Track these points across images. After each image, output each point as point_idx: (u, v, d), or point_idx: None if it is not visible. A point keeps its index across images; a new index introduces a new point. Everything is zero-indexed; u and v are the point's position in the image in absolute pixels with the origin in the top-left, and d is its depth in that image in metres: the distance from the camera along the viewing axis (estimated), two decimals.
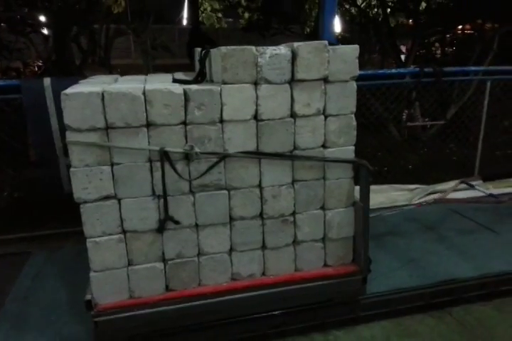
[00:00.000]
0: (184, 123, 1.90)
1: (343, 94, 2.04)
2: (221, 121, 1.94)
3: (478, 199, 3.45)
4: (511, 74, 3.83)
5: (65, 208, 3.19)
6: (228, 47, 1.85)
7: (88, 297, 2.01)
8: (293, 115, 2.02)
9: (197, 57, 2.56)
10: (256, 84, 1.93)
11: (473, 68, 4.02)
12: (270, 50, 1.89)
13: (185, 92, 1.86)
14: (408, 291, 2.45)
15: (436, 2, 6.97)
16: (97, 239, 1.95)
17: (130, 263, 2.03)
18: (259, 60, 1.89)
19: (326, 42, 1.92)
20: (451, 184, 3.52)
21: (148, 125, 1.87)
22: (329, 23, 2.97)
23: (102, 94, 1.77)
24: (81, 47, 6.95)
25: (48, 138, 3.11)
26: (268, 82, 1.93)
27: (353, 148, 2.15)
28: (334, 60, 1.97)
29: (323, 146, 2.12)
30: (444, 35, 7.42)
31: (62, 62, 5.94)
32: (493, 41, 5.29)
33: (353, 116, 2.10)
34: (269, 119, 1.98)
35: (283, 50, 1.90)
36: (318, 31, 3.13)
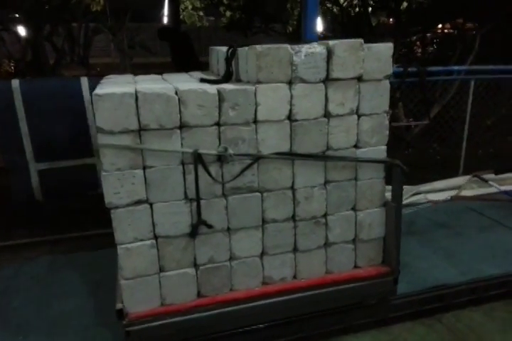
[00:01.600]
0: (218, 124, 1.86)
1: (376, 93, 2.01)
2: (255, 121, 1.90)
3: (492, 196, 3.45)
4: (494, 74, 3.81)
5: (36, 216, 3.13)
6: (263, 45, 1.81)
7: (119, 306, 1.94)
8: (326, 115, 1.99)
9: (215, 57, 2.51)
10: (290, 83, 1.89)
11: (456, 67, 3.99)
12: (305, 48, 1.85)
13: (219, 92, 1.81)
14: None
15: (417, 1, 7.01)
16: (129, 246, 1.89)
17: (162, 270, 1.98)
18: (294, 58, 1.85)
19: (361, 40, 1.88)
20: (463, 179, 3.53)
21: (182, 126, 1.82)
22: (312, 22, 2.92)
23: (136, 95, 1.71)
24: (55, 46, 6.80)
25: (17, 143, 3.03)
26: (303, 81, 1.89)
27: (385, 147, 2.13)
28: (368, 59, 1.94)
29: (356, 146, 2.09)
30: (425, 35, 7.48)
31: (35, 62, 5.81)
32: (475, 40, 5.32)
33: (385, 115, 2.07)
34: (303, 119, 1.94)
35: (318, 48, 1.87)
36: (300, 30, 3.07)
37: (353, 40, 1.89)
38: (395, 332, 2.29)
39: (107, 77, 2.39)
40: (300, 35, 3.08)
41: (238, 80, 2.08)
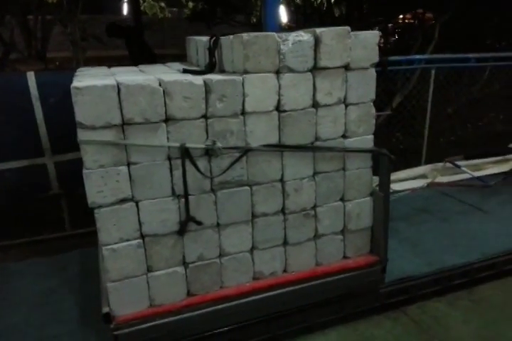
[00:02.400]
0: (205, 116, 1.79)
1: (363, 81, 2.00)
2: (243, 113, 1.84)
3: (466, 182, 3.56)
4: (454, 62, 3.89)
5: None
6: (250, 33, 1.74)
7: (106, 309, 1.86)
8: (315, 105, 1.95)
9: (193, 47, 2.43)
10: (278, 73, 1.84)
11: (417, 56, 4.03)
12: (293, 36, 1.80)
13: (205, 83, 1.74)
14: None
15: None
16: (114, 246, 1.80)
17: (150, 270, 1.90)
18: (281, 47, 1.80)
19: (348, 28, 1.85)
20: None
21: (167, 120, 1.74)
22: (273, 13, 2.88)
23: (118, 87, 1.62)
24: (2, 40, 6.39)
25: None
26: (291, 70, 1.84)
27: (372, 137, 2.13)
28: (355, 47, 1.92)
29: (343, 136, 2.07)
30: (387, 25, 7.61)
31: None
32: (434, 30, 5.44)
33: (372, 104, 2.06)
34: (291, 110, 1.91)
35: (306, 36, 1.82)
36: (261, 21, 3.01)
37: (340, 27, 1.86)
38: (361, 328, 2.27)
39: (80, 69, 2.26)
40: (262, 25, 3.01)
41: (222, 71, 2.01)
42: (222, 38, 1.96)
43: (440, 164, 3.68)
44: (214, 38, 1.98)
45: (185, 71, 1.95)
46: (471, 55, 3.66)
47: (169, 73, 2.03)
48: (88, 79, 1.75)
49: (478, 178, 3.49)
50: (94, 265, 2.26)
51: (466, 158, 3.63)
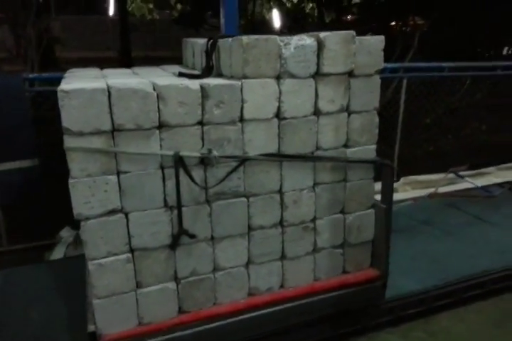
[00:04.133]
0: (201, 123, 1.70)
1: (367, 88, 1.93)
2: (241, 120, 1.76)
3: (470, 192, 3.50)
4: (427, 71, 3.75)
5: None
6: (250, 36, 1.67)
7: (91, 328, 1.75)
8: (316, 112, 1.88)
9: (190, 50, 2.35)
10: (278, 78, 1.77)
11: (388, 65, 3.68)
12: (295, 40, 1.73)
13: (202, 88, 1.65)
14: None
15: None
16: (102, 261, 1.70)
17: (139, 286, 1.80)
18: (283, 51, 1.72)
19: (353, 32, 1.79)
20: (440, 176, 3.57)
21: (161, 126, 1.65)
22: (232, 15, 2.80)
23: (109, 91, 1.52)
24: None
25: None
26: (292, 76, 1.77)
27: (374, 147, 2.06)
28: (360, 52, 1.86)
29: (345, 146, 2.00)
30: (377, 31, 7.63)
31: None
32: (414, 37, 5.40)
33: (375, 112, 2.00)
34: (292, 117, 1.83)
35: (308, 40, 1.75)
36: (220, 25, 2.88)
37: (344, 31, 1.79)
38: None
39: (69, 70, 2.16)
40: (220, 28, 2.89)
41: (219, 75, 1.93)
42: (221, 41, 1.88)
43: (442, 174, 3.63)
44: (212, 41, 1.90)
45: (180, 74, 1.87)
46: (445, 64, 3.57)
47: (164, 76, 1.95)
48: (76, 81, 1.66)
49: (483, 188, 3.44)
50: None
51: (471, 168, 3.58)
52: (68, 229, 2.99)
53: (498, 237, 2.90)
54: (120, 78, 1.80)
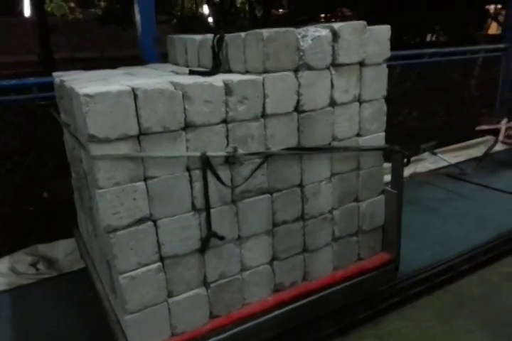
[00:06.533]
0: (225, 121, 1.67)
1: (376, 77, 1.99)
2: (263, 115, 1.75)
3: (445, 171, 3.73)
4: None
5: None
6: (269, 29, 1.65)
7: None
8: (331, 104, 1.91)
9: (181, 47, 2.29)
10: (296, 71, 1.77)
11: None
12: (311, 32, 1.74)
13: (226, 85, 1.62)
14: None
15: None
16: (133, 273, 1.64)
17: (170, 295, 1.76)
18: (301, 43, 1.73)
19: (365, 22, 1.83)
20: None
21: (186, 127, 1.60)
22: (147, 12, 2.73)
23: (134, 93, 1.45)
24: None
25: None
26: (310, 68, 1.78)
27: (383, 134, 2.13)
28: (369, 42, 1.90)
29: (358, 135, 2.05)
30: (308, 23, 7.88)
31: None
32: None
33: (383, 100, 2.07)
34: (310, 110, 1.85)
35: (324, 31, 1.77)
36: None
37: (357, 21, 1.83)
38: None
39: (57, 74, 2.02)
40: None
41: (228, 71, 1.90)
42: (229, 36, 1.85)
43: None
44: (218, 36, 1.86)
45: (191, 72, 1.81)
46: None
47: (167, 76, 1.89)
48: (91, 84, 1.56)
49: (455, 165, 3.67)
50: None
51: (439, 145, 3.81)
52: None
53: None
54: (131, 79, 1.71)
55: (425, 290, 2.50)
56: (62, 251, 2.82)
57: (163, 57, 2.59)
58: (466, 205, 3.27)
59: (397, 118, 5.72)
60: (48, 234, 2.89)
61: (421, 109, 5.26)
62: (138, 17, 2.71)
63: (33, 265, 2.73)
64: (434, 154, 3.71)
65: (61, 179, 2.74)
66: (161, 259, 1.70)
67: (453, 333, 2.23)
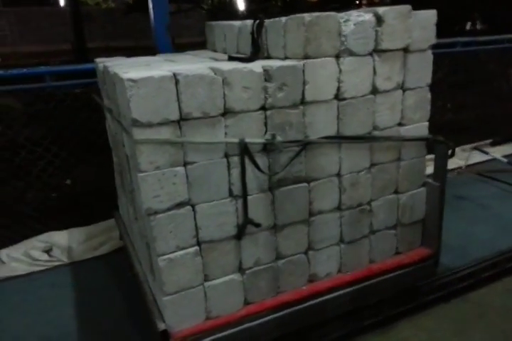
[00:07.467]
0: (264, 108, 1.68)
1: (421, 64, 1.94)
2: (302, 102, 1.75)
3: (499, 168, 3.58)
4: None
5: None
6: (311, 13, 1.64)
7: (162, 326, 1.74)
8: (373, 91, 1.88)
9: (219, 33, 2.31)
10: (338, 57, 1.75)
11: None
12: (354, 16, 1.72)
13: (265, 71, 1.63)
14: None
15: None
16: (171, 256, 1.69)
17: (206, 279, 1.80)
18: (343, 28, 1.71)
19: (409, 6, 1.79)
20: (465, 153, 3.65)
21: (225, 113, 1.62)
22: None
23: (176, 78, 1.49)
24: None
25: None
26: (352, 53, 1.76)
27: (427, 124, 2.08)
28: (414, 27, 1.86)
29: (399, 124, 2.01)
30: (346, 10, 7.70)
31: None
32: None
33: (428, 88, 2.01)
34: (351, 98, 1.83)
35: (367, 16, 1.74)
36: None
37: (402, 5, 1.79)
38: None
39: (99, 60, 2.10)
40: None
41: (267, 57, 1.91)
42: (268, 21, 1.85)
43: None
44: (258, 22, 1.87)
45: (230, 58, 1.83)
46: None
47: (207, 62, 1.92)
48: (133, 70, 1.61)
49: (509, 163, 3.52)
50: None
51: (493, 144, 3.66)
52: None
53: None
54: (171, 65, 1.75)
55: (442, 297, 2.32)
56: (75, 239, 2.86)
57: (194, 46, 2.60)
58: (499, 206, 3.13)
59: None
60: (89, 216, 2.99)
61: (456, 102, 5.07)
62: (150, 5, 2.72)
63: (47, 252, 2.81)
64: (486, 153, 3.56)
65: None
66: (198, 243, 1.74)
67: None
